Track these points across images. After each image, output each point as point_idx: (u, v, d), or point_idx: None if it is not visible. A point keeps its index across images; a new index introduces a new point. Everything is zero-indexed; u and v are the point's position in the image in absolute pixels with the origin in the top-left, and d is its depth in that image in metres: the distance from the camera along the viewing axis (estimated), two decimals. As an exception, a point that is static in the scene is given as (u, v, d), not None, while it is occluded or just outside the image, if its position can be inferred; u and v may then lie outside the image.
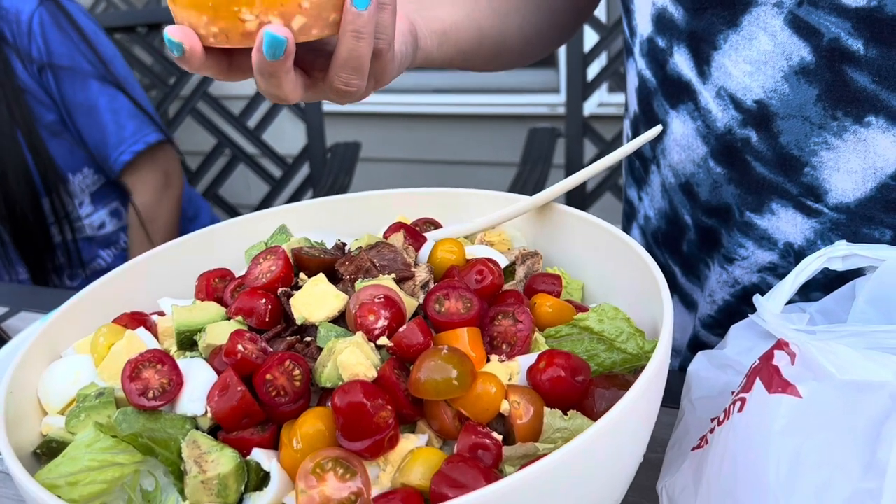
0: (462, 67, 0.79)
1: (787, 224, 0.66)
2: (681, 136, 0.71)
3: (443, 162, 2.71)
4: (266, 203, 1.91)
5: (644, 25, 0.72)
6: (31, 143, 1.37)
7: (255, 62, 0.51)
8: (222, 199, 1.93)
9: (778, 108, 0.62)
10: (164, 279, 0.64)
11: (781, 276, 0.68)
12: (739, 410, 0.48)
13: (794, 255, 0.66)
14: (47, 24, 1.37)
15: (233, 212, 1.93)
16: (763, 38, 0.61)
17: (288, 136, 2.37)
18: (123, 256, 1.60)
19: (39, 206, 1.42)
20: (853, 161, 0.60)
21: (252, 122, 1.86)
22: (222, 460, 0.44)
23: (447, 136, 2.69)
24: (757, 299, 0.53)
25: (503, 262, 0.60)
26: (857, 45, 0.57)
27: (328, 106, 2.36)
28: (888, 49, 0.56)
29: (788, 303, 0.53)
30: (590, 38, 1.74)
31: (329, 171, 1.84)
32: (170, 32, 0.51)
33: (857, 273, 0.55)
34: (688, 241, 0.77)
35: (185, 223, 1.70)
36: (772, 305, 0.52)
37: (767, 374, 0.48)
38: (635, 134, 0.81)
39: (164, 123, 1.94)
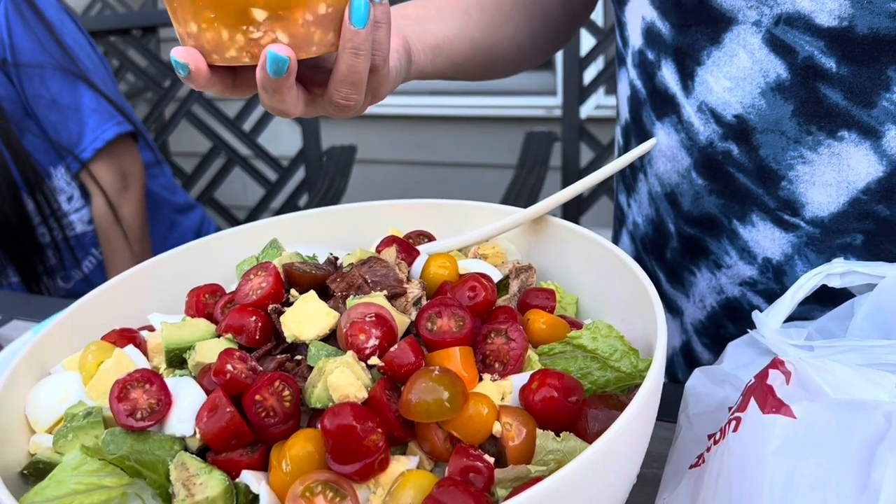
0: (457, 78, 0.81)
1: (765, 238, 0.67)
2: (666, 148, 0.73)
3: (439, 164, 2.71)
4: (261, 206, 1.90)
5: (635, 38, 0.74)
6: (7, 140, 1.33)
7: (260, 79, 0.53)
8: (217, 202, 1.92)
9: (756, 122, 0.63)
10: (155, 293, 0.64)
11: (761, 293, 0.69)
12: (734, 430, 0.48)
13: (772, 270, 0.68)
14: (12, 16, 1.33)
15: (228, 215, 1.93)
16: (742, 56, 0.62)
17: (284, 138, 2.36)
18: None
19: (22, 205, 1.37)
20: (828, 174, 0.62)
21: (247, 125, 1.85)
22: (211, 483, 0.43)
23: (443, 138, 2.69)
24: (756, 315, 0.53)
25: (496, 277, 0.60)
26: (829, 63, 0.58)
27: (324, 108, 2.34)
28: (859, 67, 0.57)
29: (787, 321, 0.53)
30: (586, 41, 1.73)
31: (325, 174, 1.84)
32: (175, 54, 0.53)
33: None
34: (671, 249, 0.78)
35: (174, 215, 1.66)
36: (771, 321, 0.52)
37: (762, 393, 0.47)
38: (626, 141, 0.82)
39: (160, 126, 1.93)
